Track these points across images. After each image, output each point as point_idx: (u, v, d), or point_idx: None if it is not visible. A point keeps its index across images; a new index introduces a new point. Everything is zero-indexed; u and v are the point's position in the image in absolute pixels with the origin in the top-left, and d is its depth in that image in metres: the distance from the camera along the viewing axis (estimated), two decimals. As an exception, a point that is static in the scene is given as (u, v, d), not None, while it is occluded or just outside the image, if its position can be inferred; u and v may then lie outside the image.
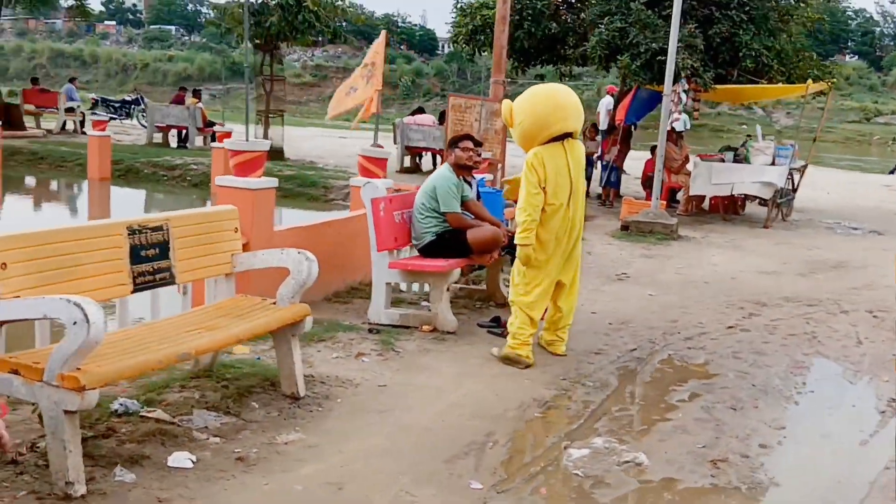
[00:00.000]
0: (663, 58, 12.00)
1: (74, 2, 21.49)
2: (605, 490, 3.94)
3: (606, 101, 17.06)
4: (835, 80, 15.07)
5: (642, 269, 9.46)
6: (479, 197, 7.35)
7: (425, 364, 5.56)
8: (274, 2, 17.99)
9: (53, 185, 17.75)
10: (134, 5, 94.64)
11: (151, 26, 76.09)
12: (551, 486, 3.95)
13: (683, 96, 12.31)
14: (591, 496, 3.89)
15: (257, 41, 18.47)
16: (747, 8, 13.01)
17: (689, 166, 14.37)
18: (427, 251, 6.50)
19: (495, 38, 11.71)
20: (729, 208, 14.64)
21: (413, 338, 6.11)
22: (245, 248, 5.93)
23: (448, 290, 6.33)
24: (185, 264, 4.45)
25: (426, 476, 3.92)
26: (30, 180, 17.49)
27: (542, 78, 16.25)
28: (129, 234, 4.11)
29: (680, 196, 14.52)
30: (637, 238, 11.32)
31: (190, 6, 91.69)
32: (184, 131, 21.10)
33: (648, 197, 15.06)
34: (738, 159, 13.84)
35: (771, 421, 4.94)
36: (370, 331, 6.13)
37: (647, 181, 15.35)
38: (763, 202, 13.93)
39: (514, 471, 4.08)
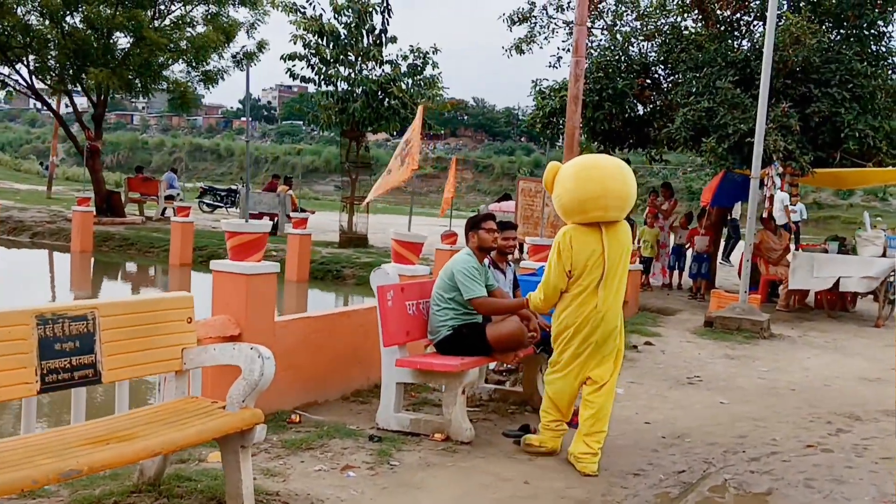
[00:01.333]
0: (752, 139, 11.06)
1: (177, 93, 22.04)
2: None
3: (781, 197, 16.63)
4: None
5: (719, 372, 8.36)
6: (516, 286, 6.58)
7: (419, 482, 4.73)
8: (360, 88, 17.96)
9: (131, 267, 17.90)
10: (269, 102, 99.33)
11: (284, 122, 79.53)
12: None
13: (777, 180, 11.25)
14: None
15: (343, 128, 18.43)
16: (850, 86, 11.94)
17: (790, 257, 13.14)
18: (443, 347, 5.75)
19: (567, 118, 11.05)
20: (836, 304, 13.26)
21: (420, 448, 5.31)
22: (237, 339, 5.37)
23: (464, 392, 5.51)
24: (116, 360, 3.85)
25: None
26: (112, 265, 17.74)
27: (628, 161, 15.34)
28: (38, 325, 3.55)
29: (781, 290, 13.26)
30: (722, 336, 10.19)
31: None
32: (276, 219, 21.19)
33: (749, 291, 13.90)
34: (844, 250, 12.54)
35: (837, 577, 3.87)
36: (371, 438, 5.37)
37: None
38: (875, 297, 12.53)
39: None
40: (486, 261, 6.33)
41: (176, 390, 4.19)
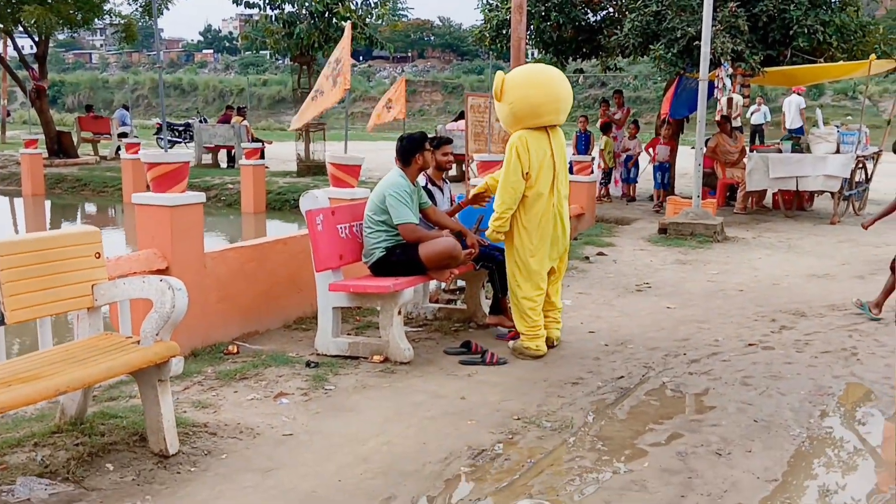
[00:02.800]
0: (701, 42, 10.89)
1: (121, 27, 21.30)
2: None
3: (797, 101, 17.74)
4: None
5: (669, 278, 8.36)
6: (453, 203, 6.47)
7: (353, 405, 4.70)
8: (305, 10, 17.42)
9: (85, 208, 17.59)
10: (230, 33, 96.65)
11: (246, 52, 77.73)
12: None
13: (728, 82, 11.10)
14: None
15: (293, 53, 17.95)
16: (798, -19, 11.68)
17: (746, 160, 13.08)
18: (378, 269, 5.66)
19: (512, 29, 10.79)
20: (793, 203, 13.27)
21: (357, 371, 5.27)
22: (164, 273, 5.24)
23: (400, 313, 5.45)
24: (19, 300, 3.72)
25: (273, 563, 3.07)
26: (66, 207, 17.42)
27: (581, 72, 15.12)
28: (-73, 268, 3.41)
29: (738, 193, 13.22)
30: (675, 242, 10.18)
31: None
32: (233, 151, 20.84)
33: (705, 196, 13.86)
34: (798, 149, 12.48)
35: (762, 470, 3.90)
36: (308, 364, 5.31)
37: (705, 179, 14.11)
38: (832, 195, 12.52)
39: (399, 551, 3.19)
40: (423, 179, 6.21)
41: (90, 327, 4.08)
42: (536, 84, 5.49)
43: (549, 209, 5.54)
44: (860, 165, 13.03)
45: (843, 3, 12.51)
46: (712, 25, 11.08)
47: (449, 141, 6.41)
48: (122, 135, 23.33)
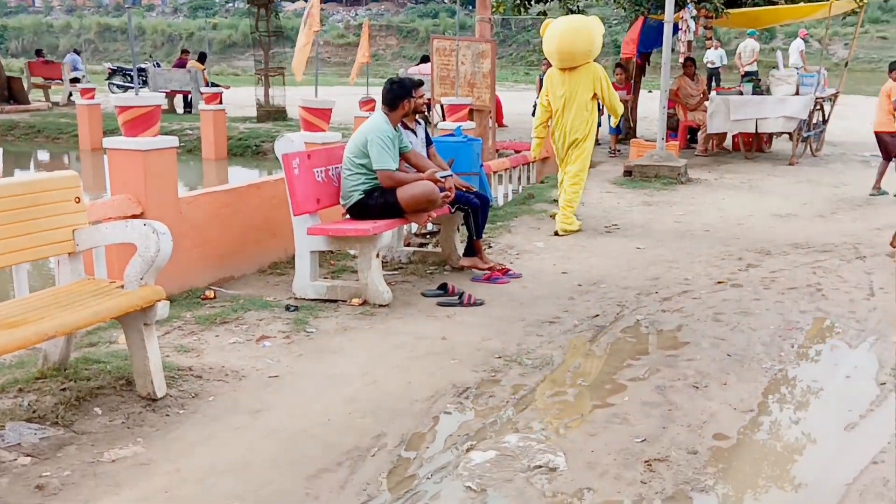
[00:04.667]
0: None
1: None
2: (495, 510, 3.11)
3: (797, 44, 18.84)
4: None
5: (637, 219, 8.48)
6: (429, 143, 6.47)
7: (336, 347, 4.74)
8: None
9: (41, 156, 17.21)
10: None
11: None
12: (428, 508, 3.13)
13: (692, 24, 11.14)
14: (474, 520, 3.07)
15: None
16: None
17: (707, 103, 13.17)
18: (355, 212, 5.67)
19: (477, -29, 10.71)
20: (752, 145, 13.46)
21: (337, 314, 5.31)
22: (140, 217, 5.18)
23: (378, 256, 5.48)
24: None
25: (272, 501, 3.12)
26: (21, 154, 17.02)
27: (544, 14, 15.02)
28: None
29: (699, 135, 13.36)
30: (641, 184, 10.30)
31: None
32: (189, 96, 20.46)
33: (669, 138, 13.98)
34: (758, 91, 12.61)
35: (738, 402, 4.04)
36: (287, 308, 5.33)
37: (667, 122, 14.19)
38: (790, 136, 12.72)
39: (393, 485, 3.27)
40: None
41: (71, 273, 4.04)
42: (547, 37, 7.61)
43: (562, 128, 7.69)
44: (818, 107, 13.24)
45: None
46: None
47: (422, 83, 6.38)
48: (75, 80, 22.74)
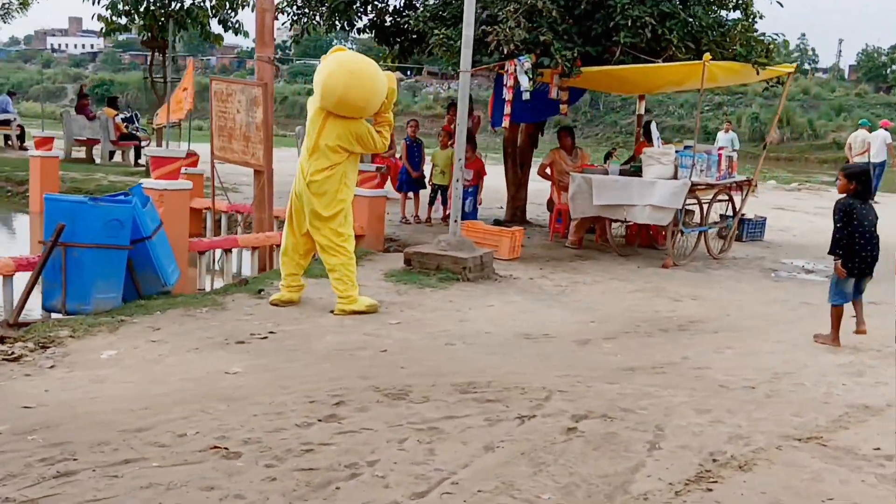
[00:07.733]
0: (496, 27, 8.84)
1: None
2: None
3: (883, 135, 18.01)
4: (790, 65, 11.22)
5: (306, 329, 6.21)
6: None
7: None
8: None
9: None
10: (284, 42, 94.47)
11: (297, 61, 74.76)
12: None
13: (524, 81, 8.92)
14: None
15: (145, 35, 15.98)
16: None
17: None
18: None
19: (258, 1, 8.82)
20: (636, 238, 11.04)
21: None
22: None
23: None
24: None
25: None
26: None
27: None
28: None
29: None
30: (414, 277, 7.98)
31: (336, 42, 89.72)
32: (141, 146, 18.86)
33: (552, 224, 11.66)
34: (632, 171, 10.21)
35: None
36: None
37: (550, 203, 11.85)
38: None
39: None
40: None
41: None
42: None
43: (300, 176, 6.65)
44: (728, 198, 10.79)
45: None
46: (505, 6, 8.99)
47: None
48: (5, 122, 21.61)
